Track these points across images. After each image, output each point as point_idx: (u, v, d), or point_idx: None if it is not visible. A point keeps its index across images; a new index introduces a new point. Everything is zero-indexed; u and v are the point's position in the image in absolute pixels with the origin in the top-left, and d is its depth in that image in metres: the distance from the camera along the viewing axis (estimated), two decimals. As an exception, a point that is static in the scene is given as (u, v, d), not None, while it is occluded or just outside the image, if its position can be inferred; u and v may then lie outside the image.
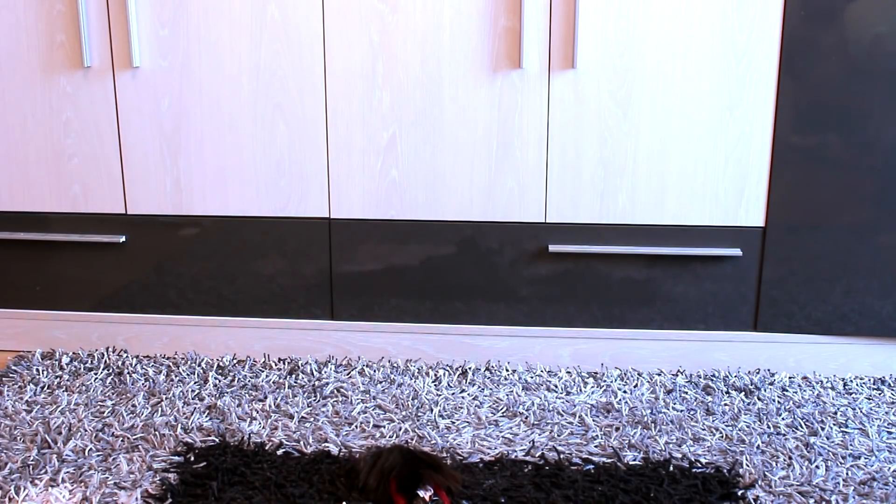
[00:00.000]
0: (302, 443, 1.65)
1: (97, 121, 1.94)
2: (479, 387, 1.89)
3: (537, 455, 1.61)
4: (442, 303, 1.98)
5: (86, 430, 1.69)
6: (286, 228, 1.97)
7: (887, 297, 1.91)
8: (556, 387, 1.88)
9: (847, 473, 1.55)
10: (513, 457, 1.60)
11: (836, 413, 1.77)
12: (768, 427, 1.72)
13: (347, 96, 1.88)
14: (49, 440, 1.65)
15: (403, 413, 1.77)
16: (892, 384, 1.90)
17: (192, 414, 1.76)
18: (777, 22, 1.79)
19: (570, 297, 1.96)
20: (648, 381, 1.91)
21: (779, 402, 1.82)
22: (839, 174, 1.85)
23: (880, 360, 1.96)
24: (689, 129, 1.85)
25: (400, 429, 1.71)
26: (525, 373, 1.94)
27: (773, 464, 1.58)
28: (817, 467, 1.57)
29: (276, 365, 1.99)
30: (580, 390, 1.87)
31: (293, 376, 1.94)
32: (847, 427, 1.72)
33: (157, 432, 1.68)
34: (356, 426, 1.72)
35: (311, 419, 1.74)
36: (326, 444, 1.64)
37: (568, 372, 1.94)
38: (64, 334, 2.08)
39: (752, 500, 1.47)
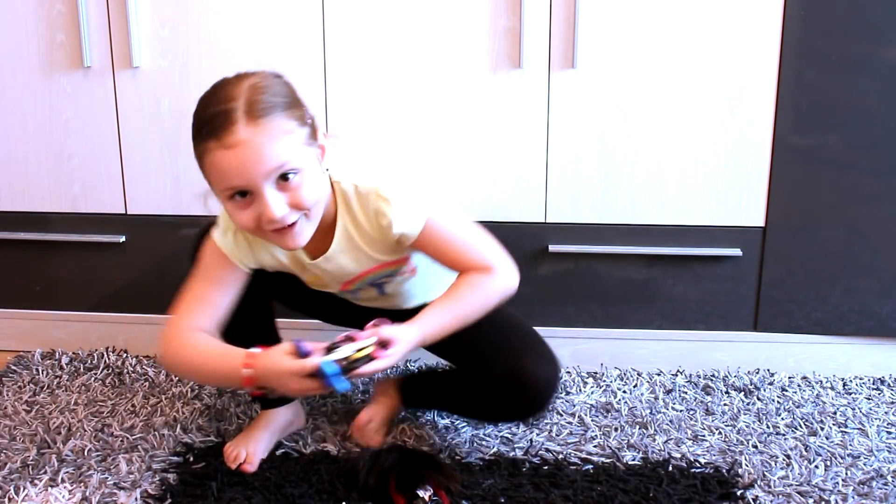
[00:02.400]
0: (301, 443, 1.65)
1: (97, 121, 1.94)
2: (479, 387, 1.88)
3: (536, 455, 1.61)
4: (442, 303, 1.98)
5: (85, 431, 1.69)
6: (286, 228, 1.97)
7: (887, 297, 1.91)
8: (556, 387, 1.88)
9: (846, 473, 1.55)
10: (511, 456, 1.60)
11: (835, 413, 1.77)
12: (767, 427, 1.72)
13: (347, 96, 1.88)
14: (48, 440, 1.65)
15: (403, 413, 1.77)
16: (891, 384, 1.90)
17: (191, 414, 1.76)
18: (777, 22, 1.79)
19: (570, 297, 1.96)
20: (648, 381, 1.91)
21: (778, 402, 1.82)
22: (839, 174, 1.85)
23: (880, 360, 1.95)
24: (688, 129, 1.85)
25: (399, 429, 1.71)
26: (525, 373, 1.94)
27: (773, 464, 1.58)
28: (816, 467, 1.57)
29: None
30: (580, 390, 1.87)
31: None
32: (846, 427, 1.72)
33: (156, 432, 1.69)
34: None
35: (310, 419, 1.74)
36: (325, 445, 1.64)
37: (567, 372, 1.94)
38: (64, 334, 2.08)
39: (751, 500, 1.47)
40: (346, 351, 1.30)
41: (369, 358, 1.31)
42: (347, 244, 1.46)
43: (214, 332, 1.46)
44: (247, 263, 1.48)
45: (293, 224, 1.33)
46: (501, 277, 1.48)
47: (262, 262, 1.49)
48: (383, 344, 1.33)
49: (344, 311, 1.64)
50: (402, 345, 1.34)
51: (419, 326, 1.39)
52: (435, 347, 1.55)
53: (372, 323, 1.36)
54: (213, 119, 1.29)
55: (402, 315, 1.45)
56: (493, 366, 1.50)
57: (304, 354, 1.31)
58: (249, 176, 1.28)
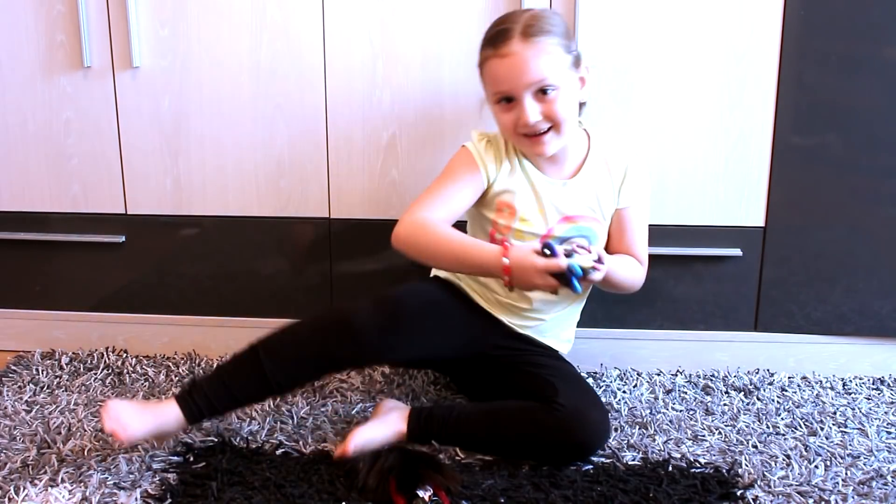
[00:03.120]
0: (301, 443, 1.65)
1: (97, 121, 1.95)
2: (479, 387, 1.88)
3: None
4: (442, 303, 1.98)
5: (85, 430, 1.69)
6: (286, 228, 1.97)
7: (887, 296, 1.91)
8: (556, 387, 1.88)
9: (846, 473, 1.55)
10: (512, 457, 1.60)
11: (835, 413, 1.77)
12: (767, 427, 1.72)
13: (347, 96, 1.88)
14: (49, 440, 1.65)
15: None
16: (891, 384, 1.90)
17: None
18: (777, 22, 1.79)
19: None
20: (648, 381, 1.91)
21: (778, 402, 1.82)
22: (839, 174, 1.85)
23: (880, 360, 1.95)
24: (688, 129, 1.85)
25: (399, 429, 1.70)
26: (525, 373, 1.94)
27: (773, 464, 1.58)
28: (816, 467, 1.57)
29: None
30: (580, 390, 1.87)
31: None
32: (846, 427, 1.72)
33: (156, 432, 1.68)
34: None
35: (311, 419, 1.74)
36: (326, 445, 1.64)
37: (567, 372, 1.94)
38: (64, 334, 2.08)
39: (751, 500, 1.47)
40: (583, 260, 1.49)
41: (591, 269, 1.50)
42: (588, 178, 1.69)
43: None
44: (489, 167, 1.65)
45: (544, 134, 1.58)
46: (644, 276, 1.75)
47: (503, 171, 1.66)
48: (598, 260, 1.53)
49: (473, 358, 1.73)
50: (606, 267, 1.54)
51: (608, 261, 1.58)
52: (489, 378, 1.66)
53: (576, 244, 1.54)
54: (495, 35, 1.57)
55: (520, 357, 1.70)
56: (562, 403, 1.54)
57: (552, 253, 1.48)
58: (514, 83, 1.55)
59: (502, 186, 1.66)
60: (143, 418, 1.51)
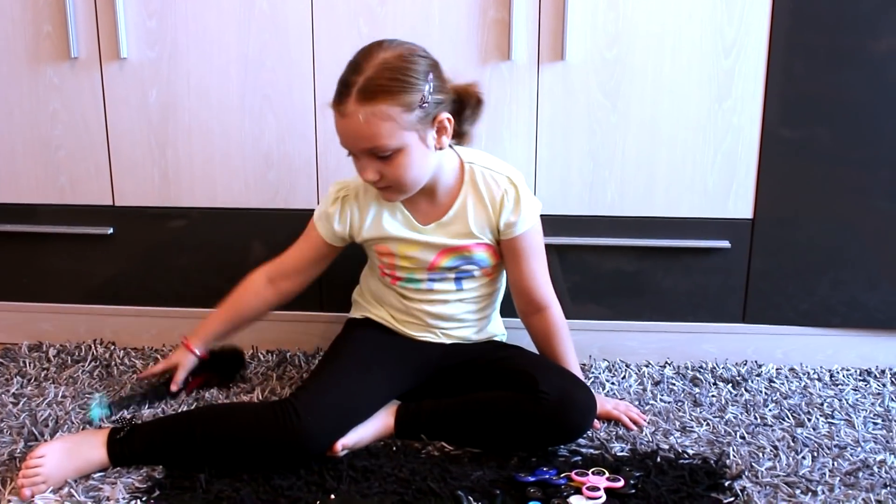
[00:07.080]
0: (290, 435, 1.64)
1: (84, 112, 1.93)
2: (468, 379, 1.88)
3: (525, 447, 1.61)
4: (431, 295, 1.98)
5: (73, 423, 1.68)
6: (274, 220, 1.96)
7: (874, 289, 1.91)
8: (545, 378, 1.88)
9: (833, 464, 1.56)
10: (501, 448, 1.60)
11: (822, 404, 1.78)
12: (755, 418, 1.72)
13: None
14: (36, 433, 1.64)
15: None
16: (877, 375, 1.91)
17: (179, 406, 1.76)
18: (765, 15, 1.79)
19: (559, 288, 1.95)
20: (636, 373, 1.92)
21: (766, 393, 1.83)
22: (827, 167, 1.86)
23: (867, 352, 1.96)
24: (677, 122, 1.85)
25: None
26: (514, 365, 1.94)
27: (760, 455, 1.59)
28: (804, 458, 1.57)
29: (264, 357, 1.99)
30: (568, 382, 1.87)
31: (281, 368, 1.94)
32: (833, 418, 1.73)
33: (144, 424, 1.68)
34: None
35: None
36: (315, 436, 1.64)
37: (556, 364, 1.94)
38: (51, 326, 2.07)
39: (738, 491, 1.47)
40: None
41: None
42: (460, 214, 1.63)
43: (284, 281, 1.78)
44: (336, 232, 1.69)
45: (387, 188, 1.55)
46: (561, 313, 1.73)
47: (367, 219, 1.66)
48: None
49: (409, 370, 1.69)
50: None
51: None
52: (463, 379, 1.65)
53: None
54: (340, 85, 1.50)
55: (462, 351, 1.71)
56: (545, 391, 1.54)
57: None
58: (349, 144, 1.52)
59: (371, 234, 1.66)
60: (66, 465, 1.47)
